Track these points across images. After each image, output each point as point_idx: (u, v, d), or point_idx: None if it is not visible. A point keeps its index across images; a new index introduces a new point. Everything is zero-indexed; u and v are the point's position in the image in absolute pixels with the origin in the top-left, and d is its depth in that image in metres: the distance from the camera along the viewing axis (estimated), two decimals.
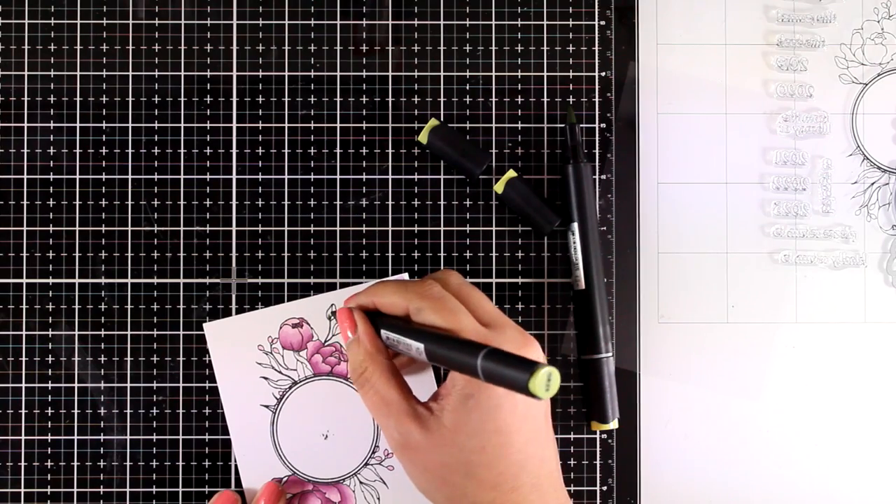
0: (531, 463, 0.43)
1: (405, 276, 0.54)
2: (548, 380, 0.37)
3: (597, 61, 0.55)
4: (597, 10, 0.55)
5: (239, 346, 0.53)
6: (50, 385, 0.54)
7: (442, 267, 0.54)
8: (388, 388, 0.44)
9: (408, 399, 0.44)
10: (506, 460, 0.42)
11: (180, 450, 0.54)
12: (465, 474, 0.43)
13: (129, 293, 0.54)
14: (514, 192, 0.53)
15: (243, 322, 0.54)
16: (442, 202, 0.55)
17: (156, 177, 0.54)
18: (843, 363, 0.55)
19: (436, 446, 0.43)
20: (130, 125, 0.54)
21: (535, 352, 0.44)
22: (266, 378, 0.53)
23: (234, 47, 0.55)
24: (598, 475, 0.54)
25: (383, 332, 0.46)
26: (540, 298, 0.55)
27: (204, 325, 0.54)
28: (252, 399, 0.53)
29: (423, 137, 0.54)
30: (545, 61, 0.55)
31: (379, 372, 0.45)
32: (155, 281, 0.54)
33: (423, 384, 0.53)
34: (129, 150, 0.54)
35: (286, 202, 0.54)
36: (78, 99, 0.54)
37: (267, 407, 0.53)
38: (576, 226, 0.53)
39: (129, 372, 0.54)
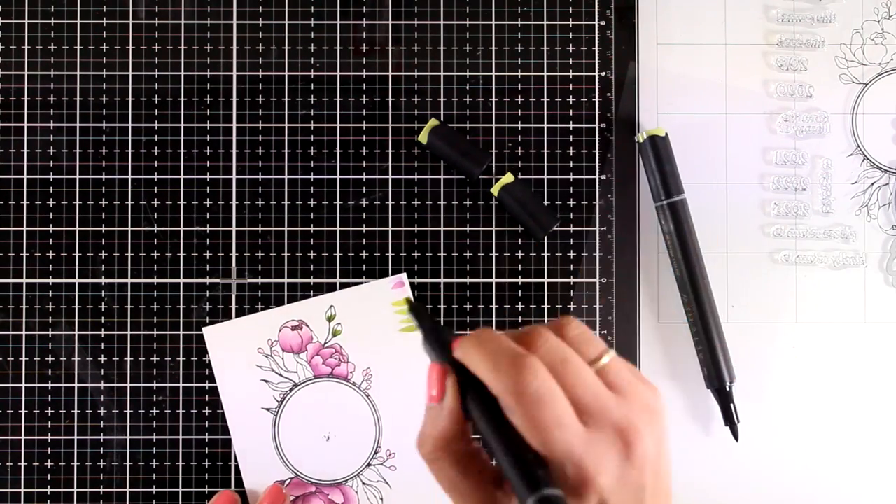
0: None
1: (403, 276, 0.54)
2: None
3: (597, 61, 0.55)
4: (597, 10, 0.55)
5: (238, 350, 0.53)
6: (50, 385, 0.54)
7: (442, 267, 0.54)
8: (457, 476, 0.38)
9: (482, 487, 0.38)
10: None
11: (180, 450, 0.54)
12: None
13: (129, 293, 0.54)
14: (509, 196, 0.53)
15: (242, 325, 0.54)
16: (442, 202, 0.55)
17: (156, 177, 0.54)
18: (843, 363, 0.55)
19: None
20: (130, 125, 0.54)
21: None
22: (266, 381, 0.53)
23: (234, 47, 0.55)
24: None
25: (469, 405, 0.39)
26: (540, 298, 0.55)
27: (203, 329, 0.54)
28: (253, 402, 0.53)
29: (423, 137, 0.54)
30: (545, 61, 0.55)
31: (450, 460, 0.38)
32: (155, 281, 0.54)
33: None
34: (129, 150, 0.54)
35: (286, 202, 0.54)
36: (78, 99, 0.54)
37: (268, 409, 0.53)
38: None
39: (129, 372, 0.54)
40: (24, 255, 0.54)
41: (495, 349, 0.37)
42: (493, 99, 0.55)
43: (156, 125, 0.54)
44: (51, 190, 0.54)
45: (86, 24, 0.54)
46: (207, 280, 0.54)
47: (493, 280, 0.55)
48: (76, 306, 0.54)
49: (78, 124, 0.54)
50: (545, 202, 0.55)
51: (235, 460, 0.54)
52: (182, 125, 0.54)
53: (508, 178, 0.53)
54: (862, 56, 0.56)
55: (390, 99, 0.55)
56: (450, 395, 0.38)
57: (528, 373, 0.36)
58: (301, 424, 0.53)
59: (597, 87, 0.55)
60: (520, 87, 0.55)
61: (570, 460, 0.35)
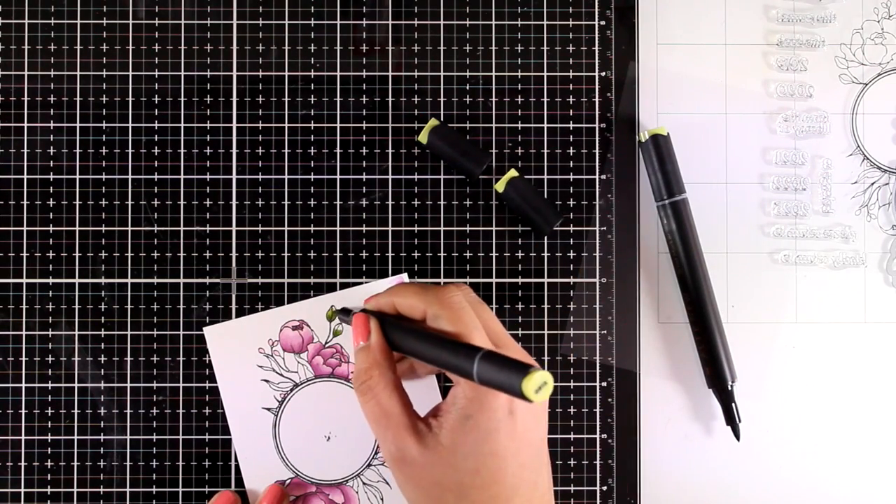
0: (524, 487, 0.43)
1: (404, 276, 0.54)
2: (542, 383, 0.37)
3: (597, 61, 0.55)
4: (597, 10, 0.55)
5: (239, 350, 0.53)
6: (50, 385, 0.54)
7: (442, 267, 0.54)
8: (391, 399, 0.44)
9: (408, 413, 0.44)
10: (499, 484, 0.42)
11: (180, 450, 0.54)
12: (457, 494, 0.42)
13: (129, 293, 0.54)
14: (515, 191, 0.53)
15: (243, 325, 0.54)
16: (442, 202, 0.55)
17: (156, 177, 0.54)
18: (843, 363, 0.55)
19: (431, 464, 0.42)
20: (130, 125, 0.54)
21: None
22: (267, 381, 0.53)
23: (234, 47, 0.55)
24: (598, 475, 0.54)
25: (391, 333, 0.46)
26: (540, 298, 0.55)
27: (204, 328, 0.54)
28: (253, 402, 0.53)
29: (423, 137, 0.54)
30: (545, 61, 0.55)
31: (384, 382, 0.44)
32: (155, 281, 0.54)
33: (427, 393, 0.53)
34: (129, 150, 0.54)
35: (286, 202, 0.54)
36: (78, 99, 0.54)
37: (269, 409, 0.53)
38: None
39: (129, 372, 0.54)
40: (24, 255, 0.54)
41: (420, 285, 0.46)
42: (493, 99, 0.55)
43: (156, 125, 0.54)
44: (51, 190, 0.54)
45: (86, 24, 0.54)
46: (207, 280, 0.54)
47: (493, 280, 0.55)
48: (76, 306, 0.54)
49: (78, 124, 0.54)
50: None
51: (235, 460, 0.54)
52: (182, 125, 0.54)
53: (513, 173, 0.53)
54: (862, 56, 0.56)
55: (390, 99, 0.55)
56: (374, 330, 0.46)
57: (453, 289, 0.45)
58: (302, 424, 0.53)
59: (597, 87, 0.55)
60: (520, 87, 0.55)
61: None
